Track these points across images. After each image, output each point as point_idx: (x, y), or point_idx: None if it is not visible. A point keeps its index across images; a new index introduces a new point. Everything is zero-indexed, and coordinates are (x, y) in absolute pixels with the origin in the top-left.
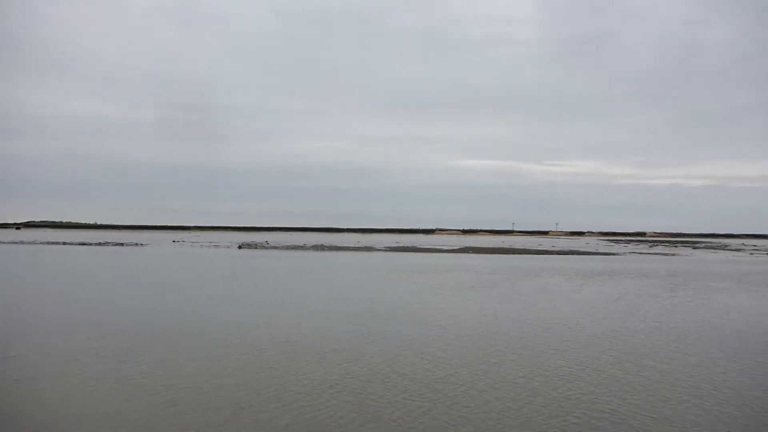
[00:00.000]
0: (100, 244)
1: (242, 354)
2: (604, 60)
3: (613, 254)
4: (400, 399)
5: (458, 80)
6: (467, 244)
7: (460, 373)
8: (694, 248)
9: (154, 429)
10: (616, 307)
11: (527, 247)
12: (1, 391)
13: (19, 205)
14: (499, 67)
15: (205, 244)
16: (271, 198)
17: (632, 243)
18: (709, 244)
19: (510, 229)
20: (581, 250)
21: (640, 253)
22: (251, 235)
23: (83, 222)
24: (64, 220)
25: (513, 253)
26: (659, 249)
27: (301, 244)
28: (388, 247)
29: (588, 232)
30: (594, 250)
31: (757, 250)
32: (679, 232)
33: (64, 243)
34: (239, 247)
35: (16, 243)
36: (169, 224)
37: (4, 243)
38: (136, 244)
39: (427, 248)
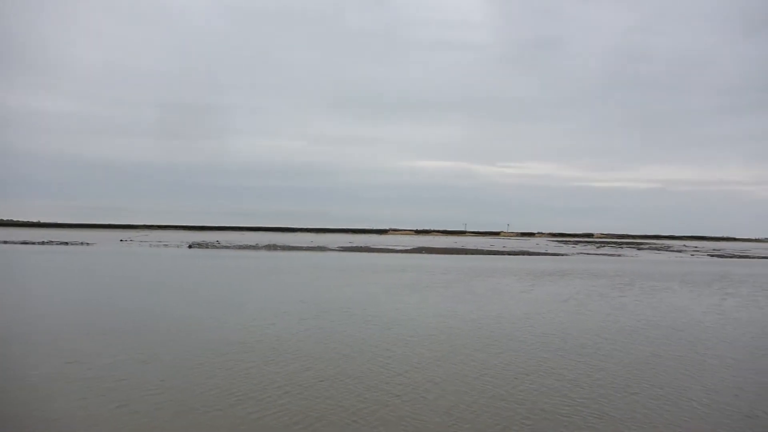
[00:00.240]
0: (43, 243)
1: (192, 355)
2: (555, 65)
3: (563, 255)
4: (350, 399)
5: (412, 81)
6: (420, 245)
7: (412, 373)
8: (639, 249)
9: (103, 430)
10: (566, 307)
11: (479, 248)
12: None
13: None
14: (453, 69)
15: (154, 243)
16: (223, 197)
17: (580, 244)
18: (653, 246)
19: (462, 229)
20: (532, 250)
21: (588, 254)
22: (202, 234)
23: (24, 220)
24: (4, 218)
25: (465, 254)
26: (606, 250)
27: (253, 243)
28: (342, 247)
29: (538, 233)
30: (544, 251)
31: (697, 251)
32: (624, 233)
33: (5, 242)
34: (189, 247)
35: None
36: (117, 223)
37: None
38: (82, 243)
39: (381, 248)
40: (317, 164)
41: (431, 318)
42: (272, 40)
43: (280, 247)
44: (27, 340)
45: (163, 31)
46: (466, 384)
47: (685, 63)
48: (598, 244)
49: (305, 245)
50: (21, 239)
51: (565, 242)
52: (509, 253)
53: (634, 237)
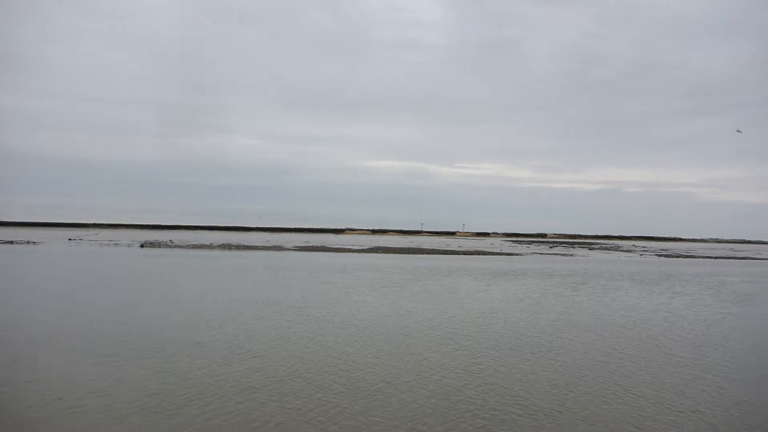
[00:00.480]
0: None
1: (145, 355)
2: (510, 66)
3: (517, 254)
4: (302, 400)
5: (369, 81)
6: (377, 244)
7: (365, 373)
8: (590, 249)
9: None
10: (522, 306)
11: (435, 248)
12: None
13: None
14: (410, 70)
15: (104, 242)
16: (176, 195)
17: (534, 244)
18: (604, 246)
19: (419, 229)
20: (487, 250)
21: (542, 254)
22: (154, 233)
23: None
24: None
25: (422, 253)
26: (559, 250)
27: (207, 242)
28: (298, 247)
29: (493, 233)
30: (499, 251)
31: (646, 251)
32: (576, 233)
33: None
34: (141, 246)
35: None
36: (66, 221)
37: None
38: (28, 242)
39: (337, 248)
40: (273, 163)
41: (387, 318)
42: (230, 38)
43: (235, 246)
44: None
45: (119, 26)
46: (419, 383)
47: (636, 67)
48: (551, 244)
49: (261, 244)
50: None
51: (520, 242)
52: (465, 253)
53: (585, 237)
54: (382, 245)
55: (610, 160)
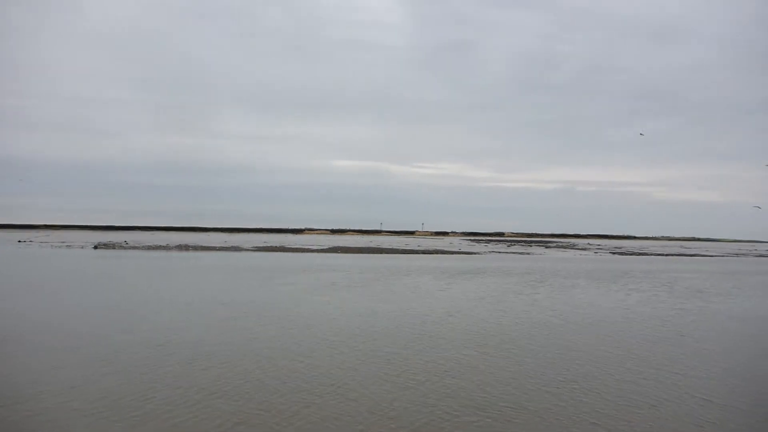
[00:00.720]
0: None
1: (107, 359)
2: (467, 68)
3: (476, 253)
4: (271, 401)
5: (327, 81)
6: (336, 244)
7: (334, 373)
8: (547, 247)
9: None
10: (484, 304)
11: (395, 247)
12: None
13: None
14: (368, 70)
15: (56, 244)
16: (131, 195)
17: (492, 242)
18: (560, 244)
19: (378, 228)
20: (446, 249)
21: (500, 252)
22: (108, 234)
23: None
24: None
25: (381, 253)
26: (516, 248)
27: (163, 243)
28: (256, 247)
29: (452, 232)
30: (458, 250)
31: (600, 248)
32: (533, 232)
33: None
34: (95, 248)
35: None
36: (14, 222)
37: None
38: None
39: (297, 248)
40: (231, 162)
41: (352, 317)
42: (186, 35)
43: (192, 247)
44: None
45: (68, 21)
46: (387, 382)
47: (589, 70)
48: (509, 243)
49: (219, 245)
50: None
51: (478, 241)
52: (424, 252)
53: (542, 236)
54: (341, 245)
55: (564, 161)
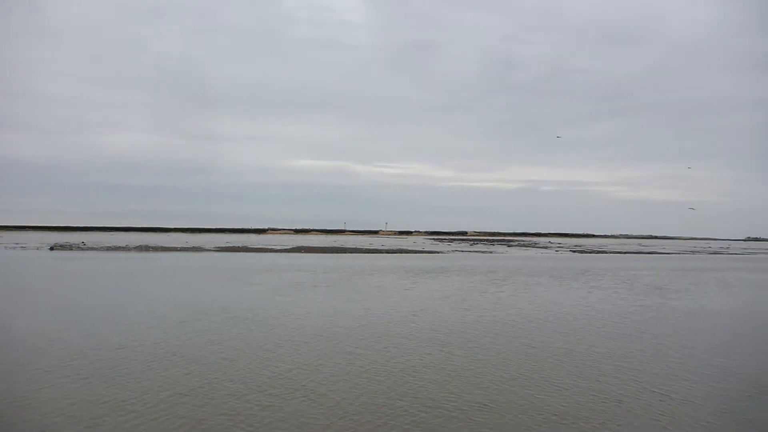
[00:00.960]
0: None
1: (64, 362)
2: (431, 68)
3: (439, 252)
4: (231, 403)
5: (291, 80)
6: (300, 244)
7: (296, 373)
8: (509, 246)
9: None
10: (449, 303)
11: (359, 246)
12: None
13: None
14: (333, 69)
15: (9, 245)
16: (89, 195)
17: (455, 241)
18: (522, 243)
19: (342, 228)
20: (409, 248)
21: (463, 251)
22: (65, 235)
23: None
24: None
25: (345, 252)
26: (479, 247)
27: (123, 244)
28: (219, 247)
29: (415, 231)
30: (421, 249)
31: (561, 247)
32: (495, 231)
33: None
34: (51, 249)
35: None
36: None
37: None
38: None
39: (260, 248)
40: (192, 162)
41: (316, 317)
42: (148, 32)
43: (152, 247)
44: None
45: (15, 15)
46: (350, 381)
47: (550, 71)
48: (472, 242)
49: (180, 246)
50: None
51: (441, 240)
52: (388, 252)
53: (504, 234)
54: (305, 245)
55: (526, 160)
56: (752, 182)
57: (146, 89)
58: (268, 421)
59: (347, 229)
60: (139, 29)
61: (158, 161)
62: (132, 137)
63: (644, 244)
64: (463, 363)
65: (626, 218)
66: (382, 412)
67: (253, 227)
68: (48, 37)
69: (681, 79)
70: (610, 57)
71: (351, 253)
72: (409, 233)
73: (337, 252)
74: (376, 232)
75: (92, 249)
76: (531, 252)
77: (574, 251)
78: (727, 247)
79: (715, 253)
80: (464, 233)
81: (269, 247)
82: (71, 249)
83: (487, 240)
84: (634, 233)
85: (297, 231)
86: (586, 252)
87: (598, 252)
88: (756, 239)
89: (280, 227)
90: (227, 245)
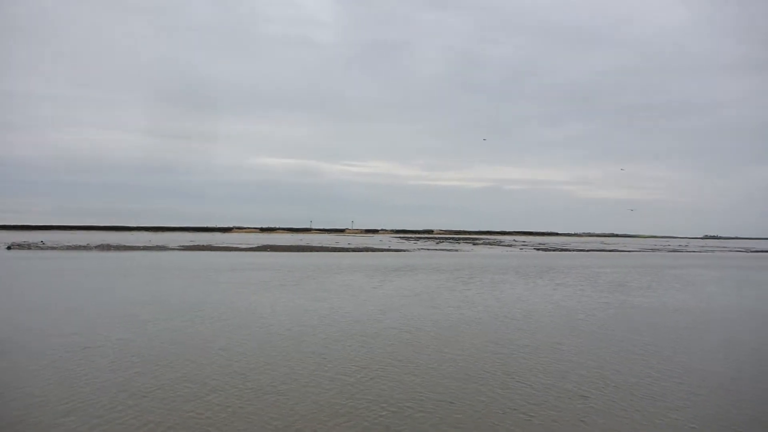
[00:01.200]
0: None
1: (27, 362)
2: (398, 68)
3: (405, 251)
4: (191, 404)
5: (257, 77)
6: (266, 243)
7: (263, 372)
8: (474, 244)
9: None
10: (418, 301)
11: (325, 245)
12: None
13: None
14: (300, 67)
15: None
16: (48, 193)
17: (422, 240)
18: (487, 241)
19: (308, 227)
20: (376, 247)
21: (429, 249)
22: (23, 234)
23: None
24: None
25: (312, 251)
26: (445, 245)
27: (83, 243)
28: (183, 246)
29: (382, 229)
30: (387, 247)
31: (525, 245)
32: (461, 229)
33: None
34: (8, 248)
35: None
36: None
37: None
38: None
39: (225, 247)
40: (156, 160)
41: (283, 316)
42: (111, 27)
43: (114, 246)
44: None
45: None
46: (315, 380)
47: (515, 72)
48: (438, 240)
49: (143, 244)
50: None
51: (407, 238)
52: (355, 250)
53: (469, 233)
54: (271, 243)
55: (491, 160)
56: (710, 183)
57: (108, 86)
58: (230, 421)
59: (314, 227)
60: (101, 24)
61: (120, 159)
62: (92, 134)
63: (606, 242)
64: (430, 361)
65: (589, 217)
66: (347, 410)
67: (218, 226)
68: (6, 31)
69: (643, 81)
70: (574, 59)
71: (317, 251)
72: (375, 232)
73: (303, 251)
74: (342, 231)
75: (52, 248)
76: (496, 250)
77: (539, 249)
78: (686, 245)
79: (674, 250)
80: (430, 232)
81: (235, 246)
82: (29, 248)
83: (453, 238)
84: (597, 231)
85: (263, 230)
86: (550, 250)
87: (562, 250)
88: (713, 237)
89: (245, 226)
90: (192, 244)
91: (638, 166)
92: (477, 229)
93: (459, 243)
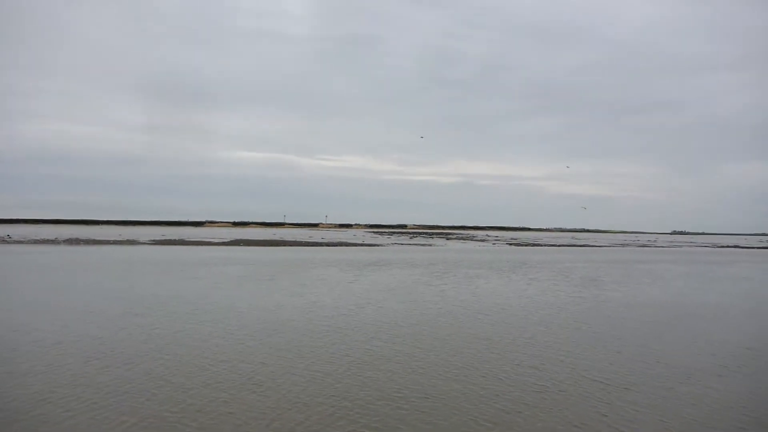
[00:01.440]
0: None
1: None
2: (371, 62)
3: (379, 245)
4: (175, 398)
5: (230, 70)
6: (239, 237)
7: (241, 367)
8: (448, 239)
9: None
10: (395, 296)
11: (299, 239)
12: None
13: None
14: (273, 60)
15: None
16: (12, 187)
17: (395, 234)
18: (460, 235)
19: (281, 221)
20: (350, 241)
21: (403, 244)
22: None
23: None
24: None
25: (285, 245)
26: (419, 240)
27: (51, 237)
28: (154, 240)
29: (355, 224)
30: (361, 242)
31: (498, 240)
32: (434, 224)
33: None
34: None
35: None
36: None
37: None
38: None
39: (197, 241)
40: (127, 153)
41: (259, 311)
42: (75, 18)
43: (83, 240)
44: None
45: None
46: (296, 374)
47: (487, 68)
48: (412, 235)
49: (113, 238)
50: None
51: (381, 233)
52: (328, 245)
53: (443, 227)
54: (244, 238)
55: (464, 155)
56: (678, 179)
57: (75, 77)
58: (213, 415)
59: (287, 222)
60: (64, 13)
61: (88, 151)
62: (59, 126)
63: (577, 237)
64: (408, 355)
65: (560, 212)
66: (328, 403)
67: (190, 220)
68: None
69: (615, 78)
70: (547, 55)
71: (291, 246)
72: (349, 226)
73: (277, 245)
74: (316, 225)
75: (18, 242)
76: (469, 245)
77: (511, 244)
78: (655, 240)
79: (643, 246)
80: (404, 226)
81: (207, 240)
82: None
83: (426, 233)
84: (568, 227)
85: (236, 224)
86: (523, 245)
87: (534, 245)
88: (681, 233)
89: (218, 220)
90: (163, 238)
91: (609, 163)
92: (450, 224)
93: (432, 238)
